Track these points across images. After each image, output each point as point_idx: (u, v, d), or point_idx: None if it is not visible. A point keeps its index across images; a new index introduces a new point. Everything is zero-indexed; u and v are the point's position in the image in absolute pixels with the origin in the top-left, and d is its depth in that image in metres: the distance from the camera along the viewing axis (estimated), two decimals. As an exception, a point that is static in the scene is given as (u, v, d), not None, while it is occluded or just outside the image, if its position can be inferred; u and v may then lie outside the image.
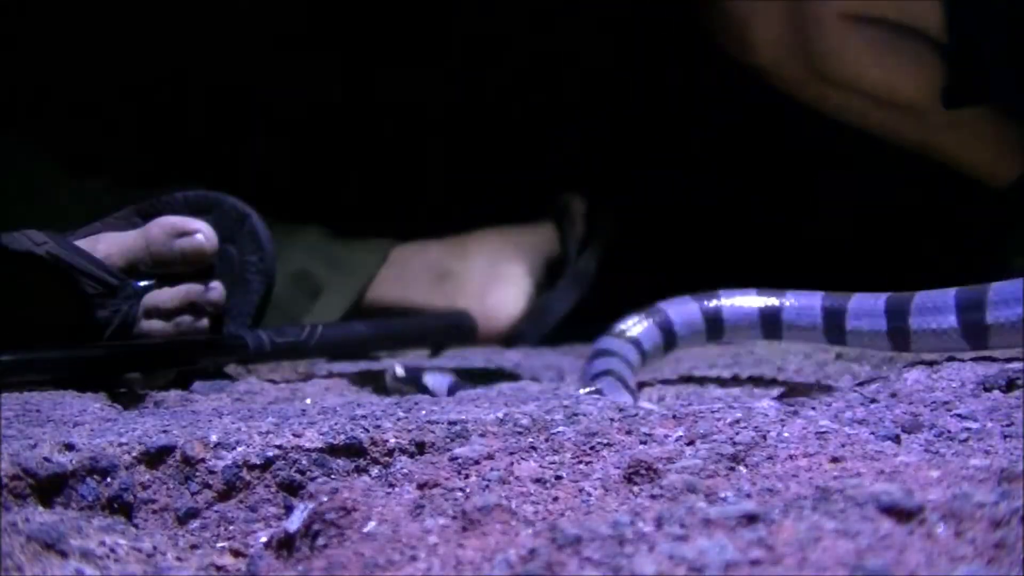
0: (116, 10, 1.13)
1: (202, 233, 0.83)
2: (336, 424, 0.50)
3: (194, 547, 0.44)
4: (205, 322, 0.84)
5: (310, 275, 1.12)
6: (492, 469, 0.45)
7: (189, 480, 0.47)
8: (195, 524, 0.46)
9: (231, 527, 0.46)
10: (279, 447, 0.48)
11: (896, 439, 0.48)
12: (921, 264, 1.39)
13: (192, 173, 1.04)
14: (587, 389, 0.64)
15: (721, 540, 0.35)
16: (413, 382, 0.74)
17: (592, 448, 0.48)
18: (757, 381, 0.78)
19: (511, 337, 1.15)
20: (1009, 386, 0.58)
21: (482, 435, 0.50)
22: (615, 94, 1.36)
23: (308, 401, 0.70)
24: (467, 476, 0.45)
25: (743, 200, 1.37)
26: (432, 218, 1.23)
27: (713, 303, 0.76)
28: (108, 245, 0.84)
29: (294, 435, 0.48)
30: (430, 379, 0.74)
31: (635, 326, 0.75)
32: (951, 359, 0.71)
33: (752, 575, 0.33)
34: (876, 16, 1.21)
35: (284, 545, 0.41)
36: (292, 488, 0.47)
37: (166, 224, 0.84)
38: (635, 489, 0.43)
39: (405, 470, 0.46)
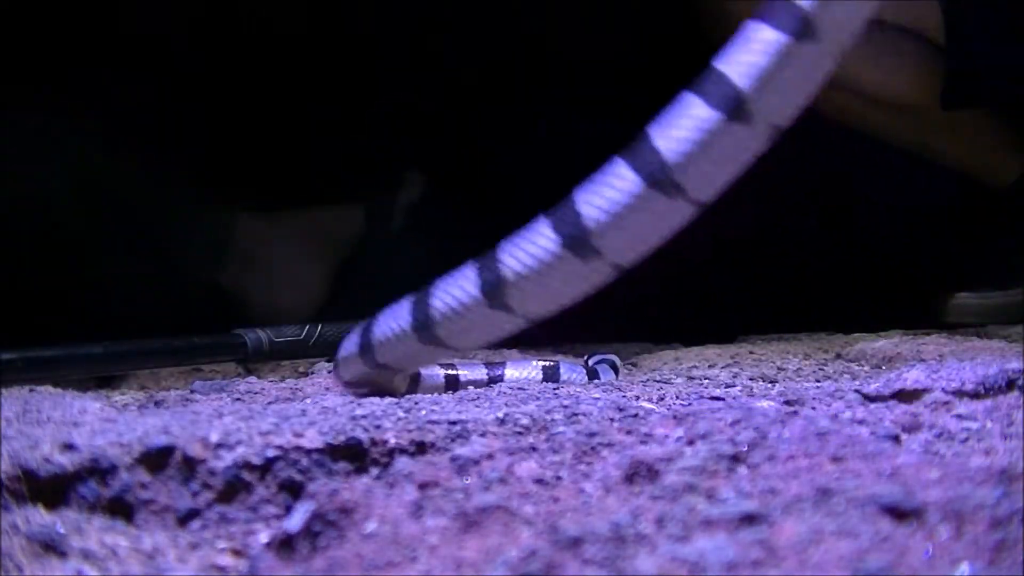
0: None
1: None
2: (336, 424, 0.50)
3: (194, 547, 0.44)
4: None
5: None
6: (492, 469, 0.45)
7: (189, 480, 0.47)
8: (195, 524, 0.46)
9: (231, 527, 0.46)
10: (279, 447, 0.48)
11: (896, 439, 0.48)
12: (920, 264, 1.39)
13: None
14: None
15: (722, 540, 0.35)
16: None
17: (592, 448, 0.48)
18: (757, 381, 0.78)
19: None
20: (1009, 386, 0.58)
21: (482, 435, 0.50)
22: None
23: (307, 401, 0.69)
24: (467, 476, 0.45)
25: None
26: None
27: None
28: None
29: (294, 435, 0.48)
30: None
31: None
32: (950, 359, 0.71)
33: (753, 575, 0.33)
34: (874, 19, 1.21)
35: (284, 545, 0.41)
36: (292, 488, 0.47)
37: None
38: (635, 489, 0.43)
39: (405, 470, 0.45)
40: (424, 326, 0.62)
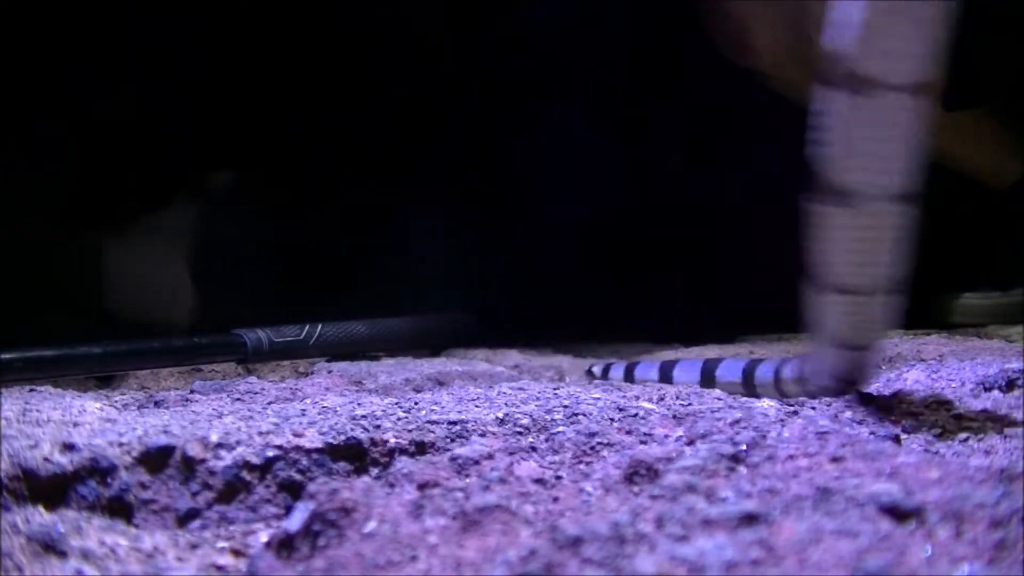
0: None
1: None
2: (336, 424, 0.50)
3: (194, 547, 0.44)
4: None
5: None
6: (492, 469, 0.45)
7: (189, 480, 0.47)
8: (195, 524, 0.46)
9: (231, 527, 0.46)
10: (279, 447, 0.48)
11: (896, 439, 0.48)
12: (921, 264, 1.39)
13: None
14: None
15: (721, 540, 0.35)
16: None
17: (592, 448, 0.48)
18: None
19: None
20: (1009, 386, 0.58)
21: (482, 435, 0.50)
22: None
23: (307, 401, 0.69)
24: (467, 476, 0.45)
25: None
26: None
27: None
28: None
29: (294, 435, 0.48)
30: None
31: None
32: (951, 359, 0.71)
33: (753, 575, 0.33)
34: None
35: (284, 545, 0.41)
36: (292, 488, 0.47)
37: None
38: (635, 489, 0.43)
39: (405, 470, 0.46)
40: None
